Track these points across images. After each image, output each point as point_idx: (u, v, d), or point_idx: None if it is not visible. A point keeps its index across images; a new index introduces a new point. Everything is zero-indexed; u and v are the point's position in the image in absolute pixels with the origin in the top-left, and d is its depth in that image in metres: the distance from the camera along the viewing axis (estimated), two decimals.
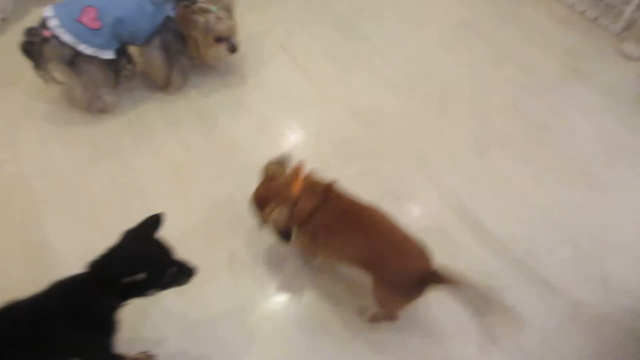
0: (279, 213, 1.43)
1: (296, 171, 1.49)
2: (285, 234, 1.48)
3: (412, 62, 2.35)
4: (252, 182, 1.94)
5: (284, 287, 1.69)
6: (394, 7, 2.59)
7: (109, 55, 1.92)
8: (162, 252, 1.28)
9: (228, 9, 2.03)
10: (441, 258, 1.71)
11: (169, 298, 1.44)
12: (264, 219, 1.48)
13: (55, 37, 1.83)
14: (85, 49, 1.86)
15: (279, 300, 1.67)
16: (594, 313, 1.62)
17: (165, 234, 1.77)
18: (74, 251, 1.77)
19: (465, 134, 2.08)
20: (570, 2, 2.57)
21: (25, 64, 1.99)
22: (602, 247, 1.77)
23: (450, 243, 1.77)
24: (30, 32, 1.85)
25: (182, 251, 1.71)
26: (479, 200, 1.88)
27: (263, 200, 1.48)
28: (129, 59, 2.10)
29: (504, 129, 2.10)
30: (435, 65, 2.34)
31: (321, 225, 1.45)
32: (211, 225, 1.83)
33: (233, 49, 2.07)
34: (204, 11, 1.95)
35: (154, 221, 1.31)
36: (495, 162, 2.00)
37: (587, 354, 1.55)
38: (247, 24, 2.53)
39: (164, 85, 2.17)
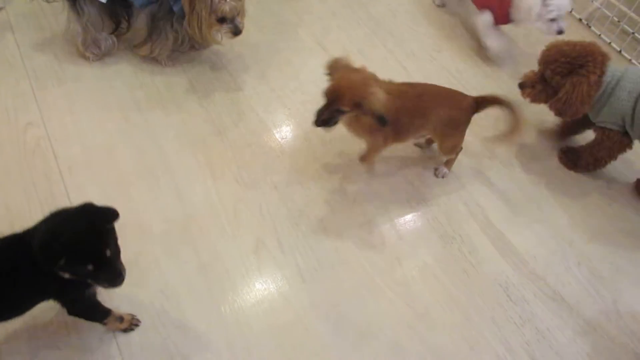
0: (381, 94, 1.58)
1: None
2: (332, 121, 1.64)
3: (444, 70, 2.43)
4: (284, 169, 2.00)
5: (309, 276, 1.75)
6: (427, 15, 2.66)
7: None
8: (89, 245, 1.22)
9: None
10: (464, 265, 1.83)
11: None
12: (366, 97, 1.57)
13: None
14: None
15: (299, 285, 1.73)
16: (603, 333, 1.72)
17: (192, 213, 1.83)
18: None
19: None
20: (597, 32, 2.69)
21: (58, 27, 2.00)
22: (616, 271, 1.88)
23: (472, 252, 1.86)
24: None
25: (205, 233, 1.78)
26: (503, 215, 1.97)
27: (353, 85, 1.59)
28: (129, 14, 2.14)
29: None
30: (465, 75, 2.42)
31: (399, 118, 1.70)
32: (238, 210, 1.88)
33: (236, 31, 2.04)
34: None
35: (103, 213, 1.27)
36: (521, 177, 2.10)
37: None
38: (283, 14, 2.58)
39: (144, 53, 2.21)
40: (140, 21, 2.13)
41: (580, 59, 1.82)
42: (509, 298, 1.77)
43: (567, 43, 1.87)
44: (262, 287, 1.72)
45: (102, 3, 2.00)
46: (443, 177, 2.05)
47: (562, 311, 1.76)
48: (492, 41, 2.41)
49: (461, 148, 2.00)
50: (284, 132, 2.12)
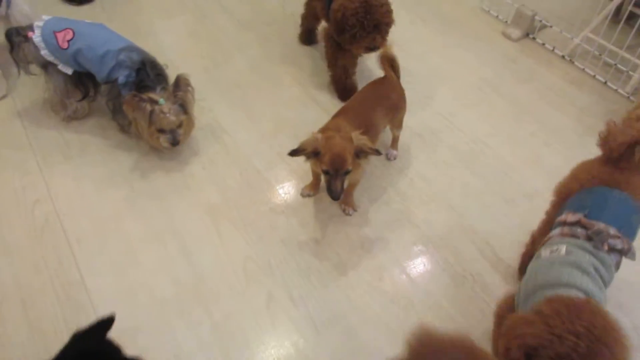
0: (361, 136, 1.78)
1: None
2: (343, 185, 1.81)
3: (437, 114, 2.52)
4: (290, 224, 2.05)
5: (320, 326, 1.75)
6: (420, 63, 2.79)
7: (67, 70, 2.18)
8: (112, 353, 1.27)
9: (183, 105, 2.07)
10: (479, 304, 1.82)
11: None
12: (359, 147, 1.76)
13: (32, 39, 2.13)
14: (47, 55, 2.13)
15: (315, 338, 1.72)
16: None
17: (202, 274, 1.86)
18: (108, 291, 1.82)
19: (494, 186, 2.22)
20: (581, 66, 2.81)
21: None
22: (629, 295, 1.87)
23: (485, 290, 1.86)
24: (18, 30, 2.17)
25: (216, 292, 1.80)
26: (512, 250, 1.98)
27: (344, 146, 1.74)
28: (95, 85, 2.29)
29: (529, 181, 2.25)
30: (459, 119, 2.51)
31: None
32: (247, 268, 1.90)
33: (174, 142, 2.10)
34: (153, 101, 2.00)
35: (105, 322, 1.29)
36: (524, 212, 2.12)
37: None
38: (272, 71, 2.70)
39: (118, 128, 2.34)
40: (104, 94, 2.25)
41: None
42: None
43: None
44: (276, 343, 1.71)
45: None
46: (394, 158, 2.29)
47: None
48: None
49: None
50: (287, 188, 2.17)
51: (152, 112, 2.01)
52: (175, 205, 2.09)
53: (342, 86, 2.55)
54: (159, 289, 1.83)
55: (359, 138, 1.76)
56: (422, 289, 1.87)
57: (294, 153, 1.78)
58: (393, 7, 2.26)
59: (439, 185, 2.21)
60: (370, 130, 1.94)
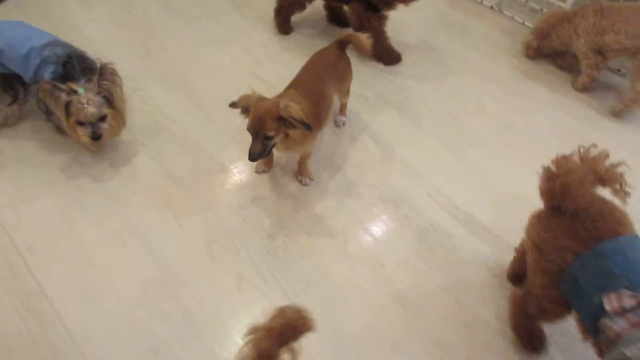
0: (292, 103, 1.71)
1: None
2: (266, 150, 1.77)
3: (380, 77, 2.55)
4: (249, 202, 2.04)
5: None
6: None
7: None
8: None
9: (108, 97, 1.95)
10: (443, 253, 1.90)
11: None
12: (282, 112, 1.70)
13: None
14: None
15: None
16: None
17: (167, 265, 1.84)
18: (71, 297, 1.77)
19: (443, 138, 2.29)
20: (510, 14, 2.91)
21: None
22: None
23: (448, 239, 1.94)
24: None
25: (185, 281, 1.79)
26: (467, 198, 2.07)
27: (267, 109, 1.71)
28: (25, 87, 2.16)
29: (475, 130, 2.33)
30: (401, 78, 2.55)
31: (314, 108, 1.86)
32: (212, 251, 1.89)
33: (93, 136, 1.96)
34: (72, 91, 1.89)
35: None
36: (474, 161, 2.20)
37: None
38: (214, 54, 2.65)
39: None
40: (34, 95, 2.11)
41: None
42: (492, 275, 1.84)
43: None
44: (252, 321, 1.72)
45: None
46: (344, 124, 2.32)
47: None
48: None
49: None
50: (241, 167, 2.16)
51: (69, 102, 1.89)
52: (128, 201, 2.04)
53: (387, 49, 2.60)
54: (124, 288, 1.79)
55: (286, 106, 1.71)
56: (387, 247, 1.92)
57: (232, 105, 1.79)
58: None
59: (390, 145, 2.25)
60: (321, 100, 1.94)
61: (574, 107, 2.44)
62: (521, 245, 1.75)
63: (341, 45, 2.09)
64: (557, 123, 2.37)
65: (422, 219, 2.00)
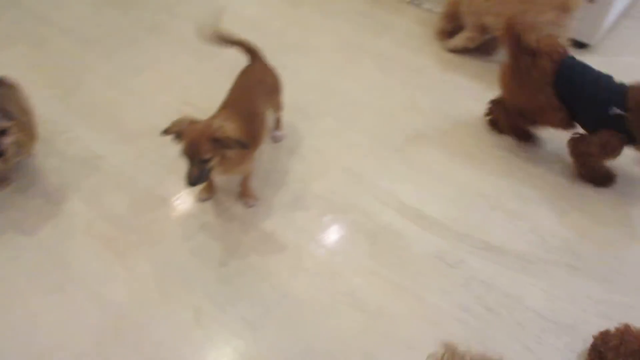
0: (226, 123, 1.72)
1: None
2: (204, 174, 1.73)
3: (311, 86, 2.56)
4: (195, 231, 2.00)
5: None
6: (280, 39, 2.81)
7: None
8: None
9: (4, 109, 1.85)
10: (397, 252, 1.92)
11: None
12: (216, 133, 1.67)
13: None
14: None
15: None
16: (537, 258, 1.89)
17: (118, 312, 1.77)
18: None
19: (381, 139, 2.32)
20: (428, 7, 2.99)
21: None
22: (525, 203, 2.07)
23: (400, 238, 1.96)
24: None
25: (140, 326, 1.73)
26: (412, 193, 2.10)
27: (201, 132, 1.68)
28: None
29: (410, 125, 2.38)
30: (334, 85, 2.57)
31: (248, 127, 1.87)
32: (163, 289, 1.84)
33: None
34: None
35: None
36: (414, 156, 2.25)
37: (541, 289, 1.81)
38: None
39: None
40: None
41: None
42: (447, 265, 1.89)
43: None
44: (217, 354, 1.69)
45: None
46: (282, 139, 2.31)
47: (496, 256, 1.90)
48: None
49: None
50: (183, 197, 2.11)
51: None
52: (66, 251, 1.94)
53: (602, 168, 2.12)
54: (76, 344, 1.71)
55: (220, 127, 1.70)
56: (341, 255, 1.93)
57: (164, 132, 1.74)
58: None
59: (331, 153, 2.27)
60: (254, 118, 1.93)
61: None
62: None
63: (259, 57, 2.09)
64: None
65: (372, 222, 2.02)
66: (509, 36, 2.00)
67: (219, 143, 1.69)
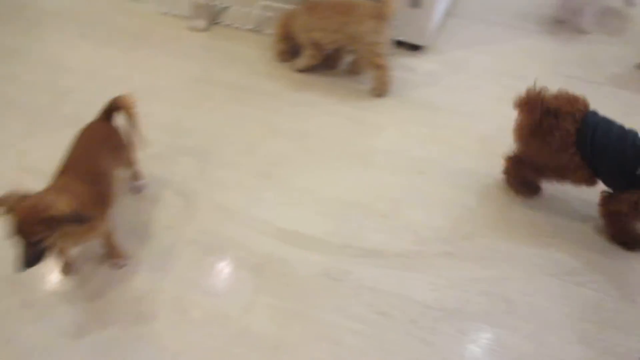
0: (59, 197, 1.54)
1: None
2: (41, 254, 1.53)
3: (163, 127, 2.47)
4: (65, 315, 1.79)
5: None
6: (124, 85, 2.66)
7: None
8: None
9: None
10: (284, 279, 1.89)
11: None
12: (48, 210, 1.48)
13: None
14: None
15: None
16: (416, 253, 1.97)
17: None
18: None
19: (247, 168, 2.29)
20: (270, 32, 3.05)
21: None
22: (394, 204, 2.15)
23: (284, 264, 1.93)
24: None
25: None
26: (288, 217, 2.09)
27: (29, 210, 1.48)
28: None
29: (274, 150, 2.38)
30: (188, 123, 2.50)
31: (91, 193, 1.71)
32: None
33: None
34: None
35: None
36: (283, 178, 2.25)
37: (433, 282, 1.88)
38: None
39: None
40: None
41: None
42: (334, 280, 1.89)
43: None
44: None
45: None
46: (143, 189, 2.18)
47: (379, 260, 1.95)
48: None
49: None
50: (38, 276, 1.89)
51: None
52: None
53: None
54: None
55: (49, 206, 1.49)
56: (228, 296, 1.85)
57: None
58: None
59: (197, 193, 2.18)
60: (100, 179, 1.79)
61: (350, 100, 2.64)
62: None
63: (108, 114, 1.94)
64: (341, 118, 2.53)
65: (253, 255, 1.97)
66: (532, 104, 1.94)
67: (52, 221, 1.50)
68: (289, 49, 2.79)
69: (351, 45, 2.57)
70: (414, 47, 2.90)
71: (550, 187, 2.17)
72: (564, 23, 3.12)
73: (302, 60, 2.73)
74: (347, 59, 2.81)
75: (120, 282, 1.88)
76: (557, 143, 1.91)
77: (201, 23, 3.09)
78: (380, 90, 2.63)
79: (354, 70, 2.75)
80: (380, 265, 1.93)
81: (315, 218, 2.10)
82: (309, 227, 2.06)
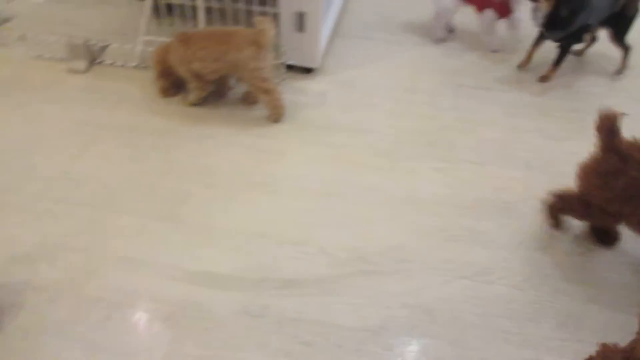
0: None
1: None
2: None
3: (55, 181, 2.29)
4: None
5: None
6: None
7: None
8: None
9: None
10: (202, 324, 1.79)
11: None
12: None
13: None
14: None
15: None
16: (334, 277, 1.96)
17: None
18: None
19: (149, 212, 2.18)
20: None
21: None
22: (306, 229, 2.14)
23: (199, 308, 1.84)
24: None
25: None
26: (198, 257, 2.01)
27: None
28: None
29: (176, 187, 2.28)
30: (78, 173, 2.33)
31: None
32: None
33: None
34: None
35: None
36: (189, 217, 2.16)
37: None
38: None
39: None
40: None
41: None
42: (254, 316, 1.83)
43: None
44: None
45: None
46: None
47: (297, 289, 1.91)
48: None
49: None
50: None
51: None
52: None
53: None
54: None
55: None
56: (145, 354, 1.72)
57: None
58: None
59: (97, 247, 2.03)
60: None
61: (248, 128, 2.61)
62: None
63: None
64: (242, 148, 2.49)
65: (166, 303, 1.85)
66: (604, 129, 1.83)
67: None
68: (171, 84, 2.72)
69: (234, 73, 2.56)
70: (306, 70, 2.94)
71: (449, 188, 2.28)
72: (444, 40, 3.31)
73: (192, 94, 2.67)
74: (239, 88, 2.79)
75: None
76: (621, 189, 1.83)
77: (81, 64, 2.92)
78: (275, 115, 2.62)
79: (247, 100, 2.73)
80: (299, 294, 1.90)
81: (227, 255, 2.03)
82: (222, 266, 1.98)
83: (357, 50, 3.20)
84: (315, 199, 2.27)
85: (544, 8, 2.68)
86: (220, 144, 2.51)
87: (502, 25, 3.13)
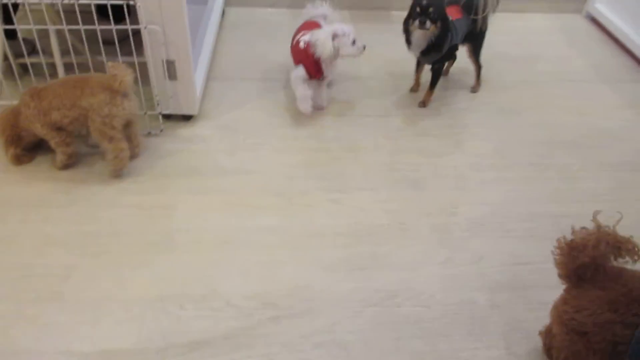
0: None
1: None
2: None
3: None
4: None
5: None
6: None
7: None
8: None
9: None
10: None
11: None
12: None
13: None
14: None
15: None
16: (244, 329, 1.89)
17: None
18: None
19: (25, 295, 1.96)
20: None
21: None
22: (208, 283, 2.06)
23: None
24: None
25: None
26: (90, 337, 1.83)
27: None
28: None
29: (52, 266, 2.09)
30: None
31: None
32: None
33: None
34: None
35: None
36: (76, 295, 1.98)
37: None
38: None
39: None
40: None
41: None
42: None
43: None
44: None
45: None
46: None
47: (207, 351, 1.82)
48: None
49: None
50: None
51: None
52: None
53: None
54: None
55: None
56: None
57: None
58: None
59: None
60: None
61: (130, 186, 2.48)
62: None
63: None
64: (127, 207, 2.36)
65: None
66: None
67: None
68: (24, 150, 2.54)
69: (87, 120, 2.39)
70: (186, 118, 2.87)
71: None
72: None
73: (58, 155, 2.49)
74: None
75: None
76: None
77: None
78: (115, 166, 2.47)
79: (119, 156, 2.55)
80: (210, 355, 1.80)
81: (124, 328, 1.87)
82: (119, 340, 1.83)
83: (234, 92, 3.19)
84: (214, 250, 2.19)
85: (427, 35, 2.82)
86: (102, 207, 2.35)
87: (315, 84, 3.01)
